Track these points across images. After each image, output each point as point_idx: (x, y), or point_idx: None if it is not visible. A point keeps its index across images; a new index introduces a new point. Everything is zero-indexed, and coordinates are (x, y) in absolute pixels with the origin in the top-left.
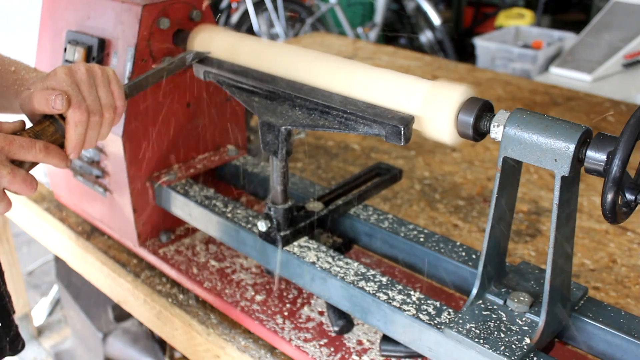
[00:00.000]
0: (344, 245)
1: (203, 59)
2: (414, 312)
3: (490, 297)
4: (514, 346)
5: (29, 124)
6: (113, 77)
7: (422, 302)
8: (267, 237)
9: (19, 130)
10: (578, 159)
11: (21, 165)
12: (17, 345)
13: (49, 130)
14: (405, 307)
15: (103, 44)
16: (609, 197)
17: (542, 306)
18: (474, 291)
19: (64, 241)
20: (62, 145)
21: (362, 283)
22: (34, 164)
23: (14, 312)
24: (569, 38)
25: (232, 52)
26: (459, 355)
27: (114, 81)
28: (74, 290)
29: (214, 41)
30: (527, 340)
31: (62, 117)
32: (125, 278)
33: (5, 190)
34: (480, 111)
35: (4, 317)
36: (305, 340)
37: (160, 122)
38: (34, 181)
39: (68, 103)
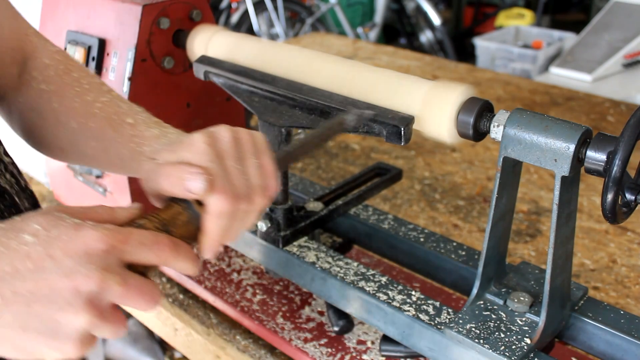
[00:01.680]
0: (344, 245)
1: (201, 58)
2: (414, 312)
3: (490, 297)
4: (514, 346)
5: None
6: (264, 147)
7: (422, 302)
8: (267, 237)
9: (137, 218)
10: (578, 159)
11: (138, 270)
12: None
13: (179, 219)
14: (405, 307)
15: (103, 44)
16: (609, 197)
17: (542, 306)
18: (474, 291)
19: None
20: (193, 239)
21: (362, 283)
22: (154, 267)
23: None
24: (569, 38)
25: (232, 52)
26: (459, 355)
27: (264, 152)
28: None
29: (213, 41)
30: (527, 340)
31: (199, 201)
32: None
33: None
34: (480, 111)
35: None
36: (305, 340)
37: None
38: (155, 291)
39: (210, 186)
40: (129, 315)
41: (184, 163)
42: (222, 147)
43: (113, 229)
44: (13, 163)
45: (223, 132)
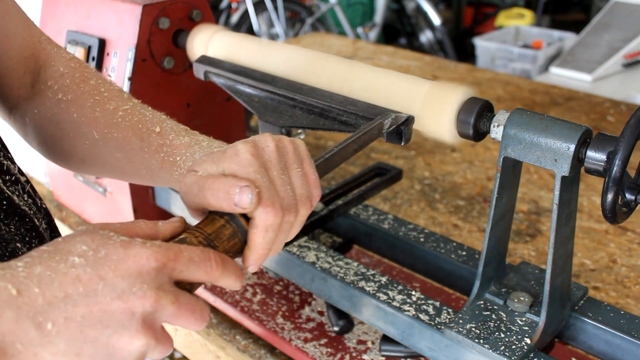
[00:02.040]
0: (344, 245)
1: (201, 58)
2: (414, 312)
3: (490, 297)
4: (514, 346)
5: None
6: (306, 155)
7: (422, 302)
8: None
9: (181, 232)
10: (578, 159)
11: (184, 287)
12: None
13: (224, 233)
14: (405, 307)
15: (103, 44)
16: (609, 197)
17: (542, 306)
18: (474, 291)
19: None
20: (237, 253)
21: (362, 283)
22: (199, 284)
23: None
24: (569, 38)
25: (232, 52)
26: (459, 355)
27: (307, 160)
28: None
29: (213, 41)
30: (527, 340)
31: (244, 214)
32: None
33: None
34: (480, 111)
35: None
36: (305, 340)
37: None
38: (205, 310)
39: (258, 199)
40: None
41: (230, 176)
42: (267, 158)
43: (163, 246)
44: (28, 181)
45: (267, 141)
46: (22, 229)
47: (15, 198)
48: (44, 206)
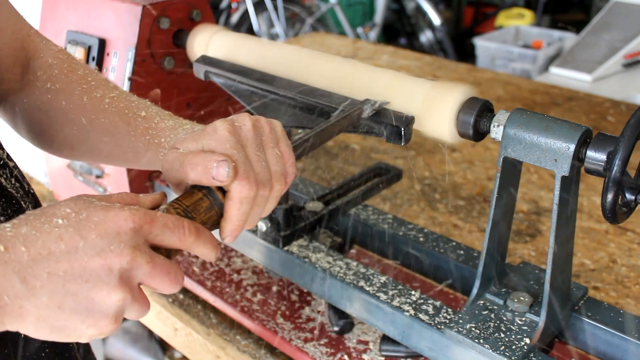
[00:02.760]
0: (344, 245)
1: (201, 58)
2: (414, 312)
3: (490, 297)
4: (514, 346)
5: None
6: (282, 135)
7: (422, 302)
8: (267, 237)
9: (160, 203)
10: (578, 159)
11: (161, 254)
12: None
13: (201, 205)
14: (405, 307)
15: (103, 44)
16: (609, 197)
17: (542, 306)
18: (474, 291)
19: None
20: (214, 225)
21: (362, 283)
22: (176, 252)
23: None
24: (569, 38)
25: (232, 52)
26: (459, 355)
27: (283, 140)
28: None
29: (214, 41)
30: (527, 340)
31: (220, 188)
32: None
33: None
34: (480, 111)
35: None
36: (305, 340)
37: None
38: (179, 273)
39: (234, 173)
40: None
41: (208, 151)
42: (244, 135)
43: (140, 210)
44: (16, 166)
45: (244, 120)
46: (9, 210)
47: (2, 180)
48: (32, 191)
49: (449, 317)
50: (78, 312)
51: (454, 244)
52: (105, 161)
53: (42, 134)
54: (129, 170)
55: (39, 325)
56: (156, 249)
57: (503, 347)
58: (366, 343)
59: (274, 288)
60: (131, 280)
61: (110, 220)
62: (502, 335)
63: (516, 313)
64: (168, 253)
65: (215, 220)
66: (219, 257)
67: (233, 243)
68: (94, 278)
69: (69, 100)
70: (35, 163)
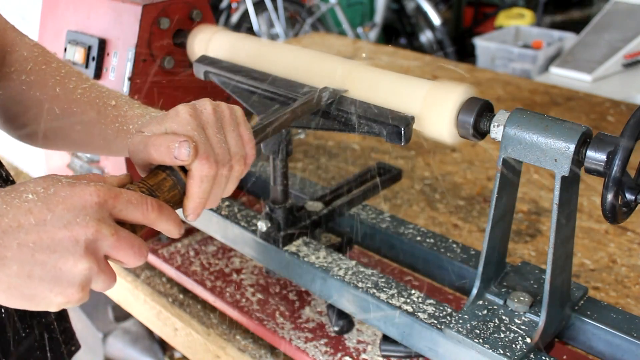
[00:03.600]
0: (344, 245)
1: (201, 58)
2: (414, 312)
3: (490, 297)
4: (514, 346)
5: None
6: (242, 119)
7: (422, 302)
8: (267, 237)
9: (126, 184)
10: (578, 159)
11: (126, 228)
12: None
13: (165, 185)
14: (405, 307)
15: (103, 44)
16: (609, 197)
17: (542, 306)
18: (474, 291)
19: None
20: (177, 204)
21: (362, 283)
22: (140, 228)
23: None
24: (569, 38)
25: (232, 52)
26: (459, 355)
27: (243, 124)
28: None
29: (213, 41)
30: (527, 340)
31: (183, 169)
32: (125, 278)
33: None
34: (480, 111)
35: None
36: (305, 340)
37: None
38: (143, 246)
39: (194, 152)
40: (129, 316)
41: (171, 133)
42: (204, 118)
43: (105, 186)
44: None
45: (205, 104)
46: None
47: None
48: (11, 179)
49: (449, 317)
50: (46, 281)
51: (454, 244)
52: (79, 149)
53: (17, 124)
54: (128, 171)
55: (9, 293)
56: (122, 224)
57: (503, 347)
58: (366, 343)
59: (274, 288)
60: (97, 251)
61: (77, 195)
62: (502, 335)
63: (516, 313)
64: (133, 229)
65: (178, 199)
66: (182, 234)
67: (233, 243)
68: (61, 248)
69: (43, 92)
70: (35, 163)
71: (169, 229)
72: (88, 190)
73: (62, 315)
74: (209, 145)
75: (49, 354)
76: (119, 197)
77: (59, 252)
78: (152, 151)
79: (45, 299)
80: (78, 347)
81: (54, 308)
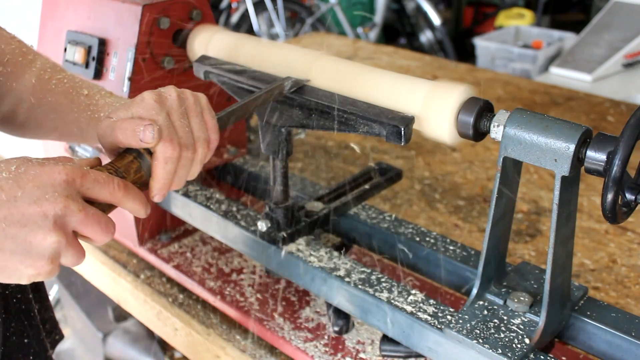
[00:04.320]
0: (344, 245)
1: (201, 58)
2: (414, 312)
3: (490, 297)
4: (514, 346)
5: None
6: (206, 106)
7: (422, 302)
8: (267, 237)
9: (95, 166)
10: (578, 159)
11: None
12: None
13: (131, 167)
14: (405, 307)
15: (103, 44)
16: (609, 197)
17: (542, 306)
18: (474, 291)
19: None
20: (144, 185)
21: (362, 283)
22: (109, 207)
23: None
24: (569, 38)
25: (232, 52)
26: (459, 355)
27: (207, 110)
28: (74, 290)
29: (214, 41)
30: (527, 340)
31: (149, 152)
32: (125, 278)
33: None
34: (480, 111)
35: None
36: (305, 340)
37: None
38: (110, 223)
39: (159, 135)
40: (128, 315)
41: (136, 117)
42: (169, 104)
43: (74, 166)
44: None
45: (170, 91)
46: None
47: None
48: None
49: (449, 317)
50: (17, 254)
51: (454, 243)
52: (54, 137)
53: None
54: None
55: None
56: (91, 204)
57: (503, 347)
58: (366, 343)
59: (274, 288)
60: (65, 226)
61: (46, 173)
62: (502, 335)
63: (516, 313)
64: (102, 208)
65: (144, 180)
66: (148, 214)
67: (233, 243)
68: (31, 223)
69: (19, 82)
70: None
71: (135, 208)
72: (57, 169)
73: (46, 305)
74: (172, 129)
75: (32, 341)
76: (87, 176)
77: (29, 226)
78: (119, 134)
79: (17, 272)
80: (62, 336)
81: (25, 280)
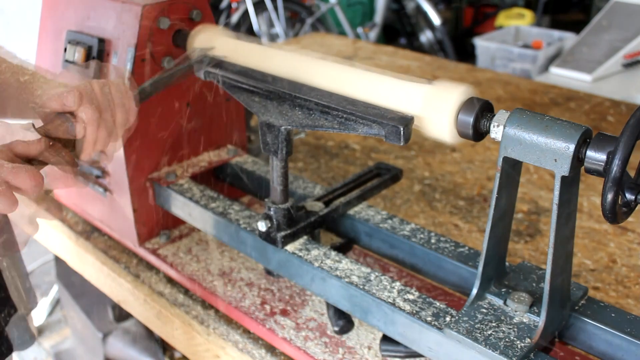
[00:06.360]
0: (344, 245)
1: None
2: (414, 312)
3: (490, 297)
4: (514, 346)
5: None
6: (127, 78)
7: (422, 302)
8: (267, 237)
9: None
10: (578, 159)
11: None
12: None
13: (59, 128)
14: (405, 307)
15: (103, 44)
16: (609, 197)
17: (542, 306)
18: (474, 291)
19: (64, 241)
20: (72, 145)
21: (362, 283)
22: (42, 164)
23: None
24: (569, 38)
25: (232, 52)
26: (459, 355)
27: (128, 83)
28: (74, 290)
29: (213, 41)
30: (527, 340)
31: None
32: (125, 278)
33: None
34: (480, 111)
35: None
36: (305, 340)
37: (160, 121)
38: (38, 175)
39: (80, 99)
40: (129, 316)
41: (61, 86)
42: (93, 76)
43: (2, 123)
44: None
45: (92, 64)
46: None
47: None
48: None
49: (449, 317)
50: None
51: (454, 243)
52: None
53: None
54: (128, 170)
55: None
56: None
57: (503, 347)
58: (366, 343)
59: (274, 288)
60: None
61: None
62: (502, 335)
63: (516, 313)
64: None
65: (72, 141)
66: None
67: (233, 243)
68: None
69: None
70: None
71: (63, 164)
72: None
73: None
74: (94, 94)
75: None
76: (15, 134)
77: None
78: (46, 100)
79: None
80: (11, 350)
81: None
